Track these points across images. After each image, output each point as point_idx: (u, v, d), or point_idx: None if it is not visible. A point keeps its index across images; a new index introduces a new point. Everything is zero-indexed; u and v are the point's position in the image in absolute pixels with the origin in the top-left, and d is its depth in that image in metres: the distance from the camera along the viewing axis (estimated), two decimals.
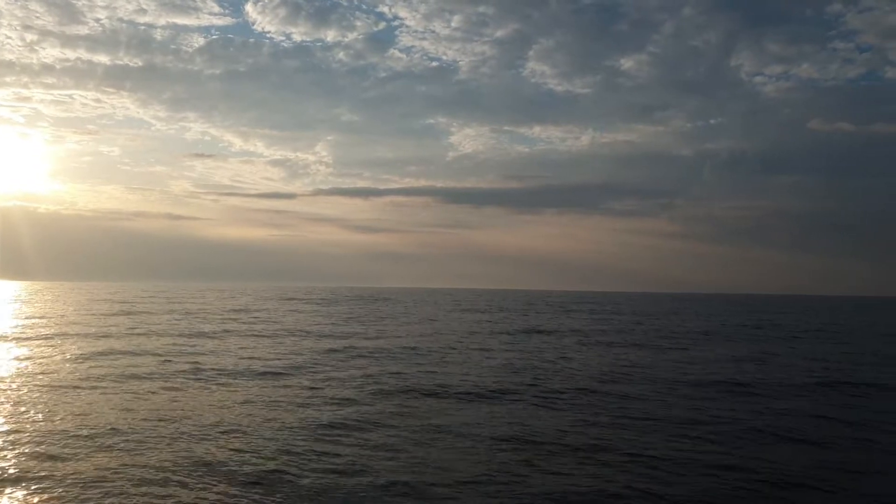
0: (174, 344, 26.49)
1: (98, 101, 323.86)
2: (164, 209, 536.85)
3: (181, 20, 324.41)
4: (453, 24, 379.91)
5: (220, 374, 18.59)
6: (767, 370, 21.40)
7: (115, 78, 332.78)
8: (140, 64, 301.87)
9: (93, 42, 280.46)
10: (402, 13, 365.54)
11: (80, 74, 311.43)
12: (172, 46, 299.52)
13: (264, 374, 18.94)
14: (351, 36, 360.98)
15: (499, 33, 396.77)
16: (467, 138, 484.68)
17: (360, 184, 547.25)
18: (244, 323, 40.20)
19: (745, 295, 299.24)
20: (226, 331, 33.57)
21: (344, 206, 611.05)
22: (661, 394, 16.29)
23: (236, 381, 17.56)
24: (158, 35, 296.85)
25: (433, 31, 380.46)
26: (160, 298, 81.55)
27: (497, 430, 12.19)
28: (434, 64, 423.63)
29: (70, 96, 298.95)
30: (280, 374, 18.95)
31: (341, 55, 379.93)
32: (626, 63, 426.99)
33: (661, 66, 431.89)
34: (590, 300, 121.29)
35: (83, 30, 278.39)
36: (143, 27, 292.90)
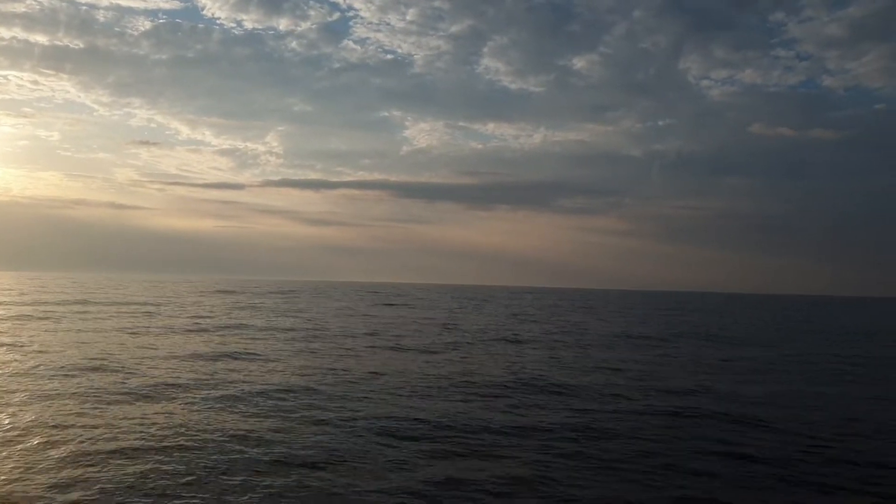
0: None
1: (35, 82, 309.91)
2: (107, 198, 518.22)
3: (126, 2, 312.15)
4: (408, 18, 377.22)
5: None
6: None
7: (54, 59, 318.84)
8: (81, 46, 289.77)
9: (30, 20, 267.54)
10: (357, 4, 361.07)
11: (15, 54, 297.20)
12: (116, 29, 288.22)
13: None
14: (304, 25, 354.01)
15: (454, 28, 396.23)
16: (422, 133, 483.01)
17: (312, 176, 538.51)
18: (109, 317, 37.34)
19: (688, 293, 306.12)
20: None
21: (295, 199, 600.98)
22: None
23: None
24: (101, 16, 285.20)
25: (388, 24, 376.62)
26: (71, 289, 76.98)
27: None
28: (389, 57, 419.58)
29: (5, 77, 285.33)
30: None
31: (294, 44, 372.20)
32: (579, 63, 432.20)
33: (613, 66, 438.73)
34: (514, 295, 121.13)
35: (19, 7, 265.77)
36: (84, 7, 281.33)
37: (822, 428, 12.02)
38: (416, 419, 11.92)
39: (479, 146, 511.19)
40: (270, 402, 13.30)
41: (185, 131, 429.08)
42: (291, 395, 14.05)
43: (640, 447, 10.41)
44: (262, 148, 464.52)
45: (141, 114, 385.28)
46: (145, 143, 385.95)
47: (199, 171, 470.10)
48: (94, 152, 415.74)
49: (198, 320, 33.73)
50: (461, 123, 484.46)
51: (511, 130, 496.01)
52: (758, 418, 12.71)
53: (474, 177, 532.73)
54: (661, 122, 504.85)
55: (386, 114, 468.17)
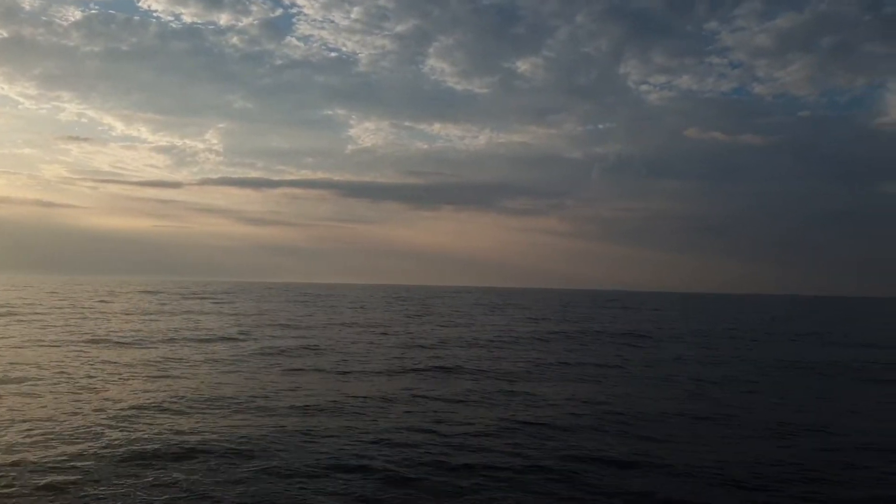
0: None
1: None
2: (33, 195, 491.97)
3: None
4: (353, 16, 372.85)
5: None
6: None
7: None
8: (5, 35, 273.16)
9: None
10: (301, 1, 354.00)
11: None
12: (44, 18, 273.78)
13: None
14: (245, 21, 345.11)
15: (399, 28, 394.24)
16: (367, 132, 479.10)
17: (253, 174, 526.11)
18: None
19: (626, 292, 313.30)
20: None
21: (235, 197, 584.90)
22: None
23: None
24: (27, 4, 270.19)
25: (332, 21, 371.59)
26: None
27: None
28: (333, 54, 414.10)
29: None
30: None
31: (235, 40, 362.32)
32: (523, 65, 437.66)
33: (556, 70, 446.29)
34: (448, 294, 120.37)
35: None
36: None
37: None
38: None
39: (425, 146, 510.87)
40: None
41: (119, 127, 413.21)
42: None
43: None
44: (201, 145, 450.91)
45: (71, 108, 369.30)
46: (76, 138, 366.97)
47: (134, 168, 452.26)
48: (19, 147, 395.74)
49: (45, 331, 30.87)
50: (407, 123, 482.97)
51: (456, 131, 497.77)
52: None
53: (420, 177, 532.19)
54: (601, 126, 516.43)
55: (330, 112, 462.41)
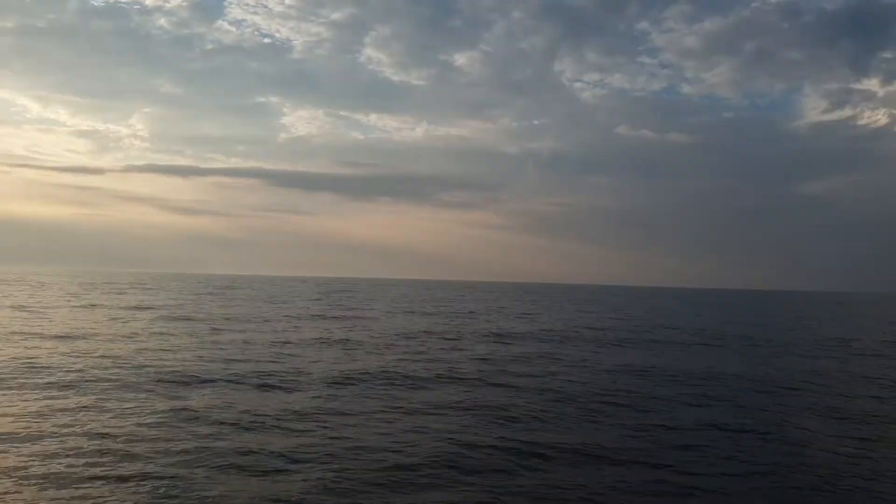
0: None
1: None
2: None
3: None
4: (287, 2, 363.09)
5: None
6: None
7: None
8: None
9: None
10: None
11: None
12: None
13: None
14: (174, 2, 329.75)
15: (335, 16, 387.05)
16: (301, 120, 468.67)
17: (181, 161, 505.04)
18: None
19: (560, 285, 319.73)
20: None
21: (161, 185, 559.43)
22: None
23: None
24: None
25: (265, 7, 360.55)
26: None
27: None
28: (266, 40, 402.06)
29: None
30: None
31: (162, 21, 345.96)
32: (460, 59, 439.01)
33: (493, 65, 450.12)
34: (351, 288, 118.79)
35: None
36: None
37: None
38: None
39: (361, 137, 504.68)
40: None
41: (34, 109, 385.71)
42: None
43: None
44: (125, 130, 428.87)
45: None
46: None
47: (51, 153, 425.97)
48: None
49: None
50: (342, 113, 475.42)
51: (393, 122, 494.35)
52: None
53: (355, 168, 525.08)
54: (536, 122, 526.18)
55: (263, 99, 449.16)
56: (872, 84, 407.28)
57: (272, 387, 13.11)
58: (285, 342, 20.97)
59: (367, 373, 15.05)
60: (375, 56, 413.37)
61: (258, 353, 18.18)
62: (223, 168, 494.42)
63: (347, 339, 22.25)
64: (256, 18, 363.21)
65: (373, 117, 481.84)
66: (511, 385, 14.13)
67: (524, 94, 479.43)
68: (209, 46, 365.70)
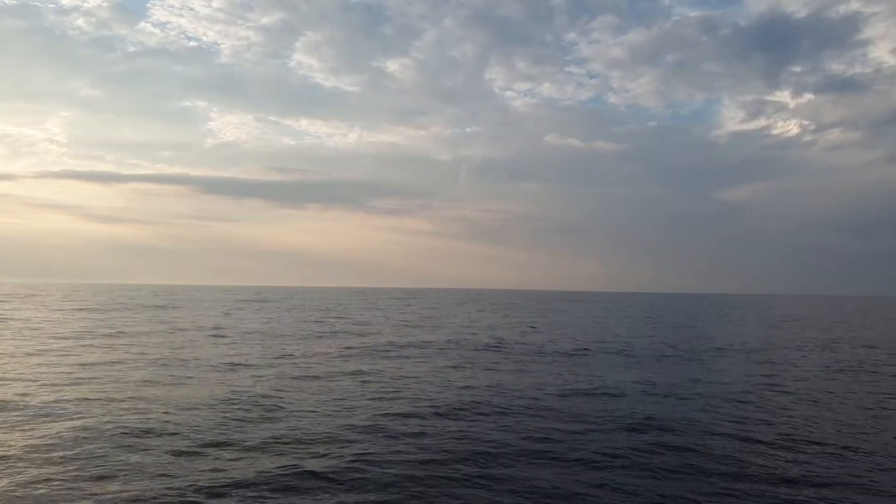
0: None
1: None
2: None
3: None
4: (214, 4, 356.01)
5: None
6: None
7: None
8: None
9: None
10: None
11: None
12: None
13: None
14: (92, 2, 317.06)
15: (264, 20, 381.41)
16: (229, 126, 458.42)
17: (101, 167, 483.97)
18: None
19: (490, 290, 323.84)
20: None
21: (79, 192, 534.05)
22: None
23: None
24: None
25: (191, 9, 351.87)
26: None
27: None
28: (192, 44, 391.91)
29: None
30: None
31: (80, 22, 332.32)
32: (392, 65, 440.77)
33: (424, 72, 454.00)
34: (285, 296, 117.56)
35: None
36: None
37: None
38: None
39: (292, 142, 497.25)
40: None
41: None
42: None
43: None
44: (40, 135, 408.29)
45: None
46: None
47: None
48: None
49: None
50: (272, 118, 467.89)
51: (325, 128, 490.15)
52: None
53: (285, 174, 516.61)
54: (468, 129, 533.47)
55: (189, 104, 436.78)
56: (784, 96, 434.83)
57: None
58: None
59: None
60: (306, 61, 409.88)
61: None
62: (147, 174, 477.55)
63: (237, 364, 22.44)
64: (182, 21, 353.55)
65: (304, 123, 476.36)
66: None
67: (456, 102, 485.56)
68: (131, 49, 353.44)
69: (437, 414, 12.12)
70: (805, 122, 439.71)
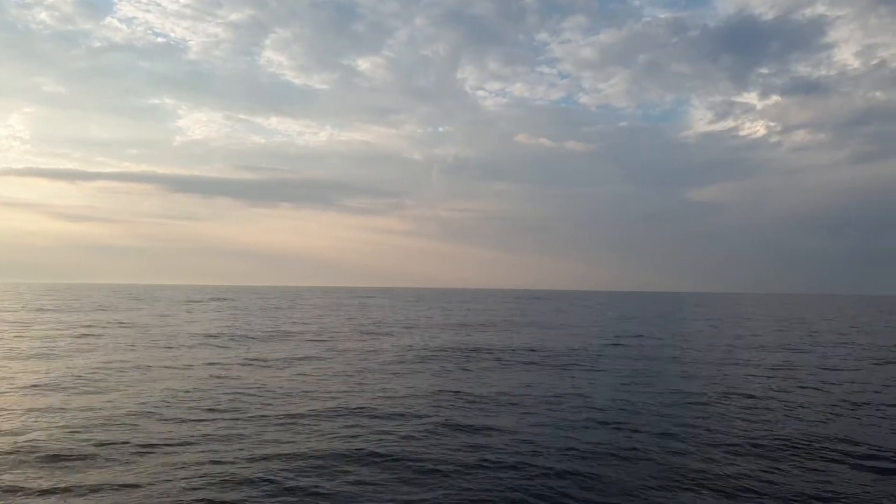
0: None
1: None
2: None
3: None
4: (182, 1, 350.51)
5: None
6: None
7: None
8: None
9: None
10: None
11: None
12: None
13: None
14: None
15: (233, 17, 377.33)
16: (198, 123, 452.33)
17: (67, 165, 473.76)
18: None
19: (462, 290, 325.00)
20: None
21: (44, 190, 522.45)
22: None
23: None
24: None
25: (158, 4, 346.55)
26: None
27: None
28: (160, 40, 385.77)
29: None
30: None
31: (44, 16, 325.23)
32: (363, 64, 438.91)
33: (396, 70, 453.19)
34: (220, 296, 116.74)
35: None
36: None
37: None
38: None
39: (262, 140, 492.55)
40: None
41: None
42: None
43: None
44: (2, 131, 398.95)
45: None
46: None
47: None
48: None
49: None
50: (242, 116, 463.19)
51: (296, 126, 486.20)
52: None
53: (256, 172, 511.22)
54: (440, 129, 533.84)
55: (156, 101, 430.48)
56: (752, 97, 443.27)
57: None
58: None
59: None
60: (276, 59, 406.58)
61: None
62: (114, 172, 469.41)
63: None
64: (149, 17, 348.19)
65: (274, 121, 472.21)
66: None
67: (428, 101, 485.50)
68: (97, 44, 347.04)
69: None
70: (772, 124, 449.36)
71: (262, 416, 11.73)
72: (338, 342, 26.13)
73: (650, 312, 63.55)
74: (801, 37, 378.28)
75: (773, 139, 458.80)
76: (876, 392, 15.06)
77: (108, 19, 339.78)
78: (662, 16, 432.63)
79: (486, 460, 8.94)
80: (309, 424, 11.06)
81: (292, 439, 10.00)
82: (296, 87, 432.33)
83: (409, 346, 24.88)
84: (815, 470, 8.67)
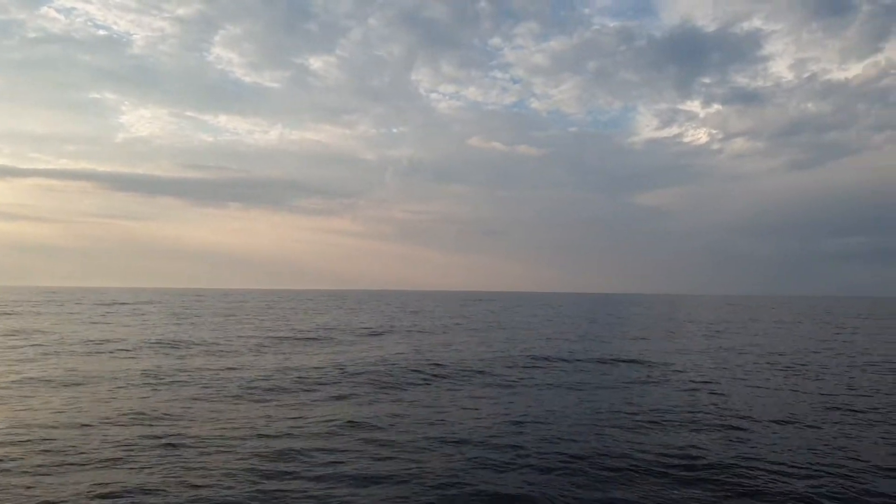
0: None
1: None
2: None
3: None
4: None
5: None
6: None
7: None
8: None
9: None
10: None
11: None
12: None
13: None
14: None
15: (181, 11, 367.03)
16: (142, 120, 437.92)
17: None
18: None
19: (415, 292, 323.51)
20: None
21: None
22: None
23: None
24: None
25: None
26: None
27: None
28: (101, 32, 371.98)
29: None
30: None
31: None
32: (316, 63, 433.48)
33: (349, 70, 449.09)
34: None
35: None
36: None
37: None
38: None
39: (210, 139, 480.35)
40: None
41: None
42: None
43: None
44: None
45: None
46: None
47: None
48: None
49: None
50: (189, 113, 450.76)
51: (245, 125, 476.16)
52: None
53: (202, 171, 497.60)
54: (394, 130, 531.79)
55: (97, 96, 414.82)
56: (695, 105, 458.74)
57: None
58: None
59: None
60: (225, 55, 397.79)
61: None
62: (49, 169, 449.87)
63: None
64: (90, 8, 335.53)
65: (223, 119, 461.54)
66: None
67: (382, 102, 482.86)
68: (32, 35, 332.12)
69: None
70: (713, 131, 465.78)
71: None
72: (201, 356, 22.87)
73: (580, 313, 64.23)
74: (740, 49, 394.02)
75: (715, 146, 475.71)
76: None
77: (45, 9, 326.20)
78: (611, 24, 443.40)
79: None
80: None
81: None
82: (246, 84, 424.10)
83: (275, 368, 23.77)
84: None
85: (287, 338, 29.74)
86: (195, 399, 13.99)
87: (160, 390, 15.08)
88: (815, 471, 8.83)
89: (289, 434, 10.67)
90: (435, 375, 17.99)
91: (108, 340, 27.22)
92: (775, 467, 8.95)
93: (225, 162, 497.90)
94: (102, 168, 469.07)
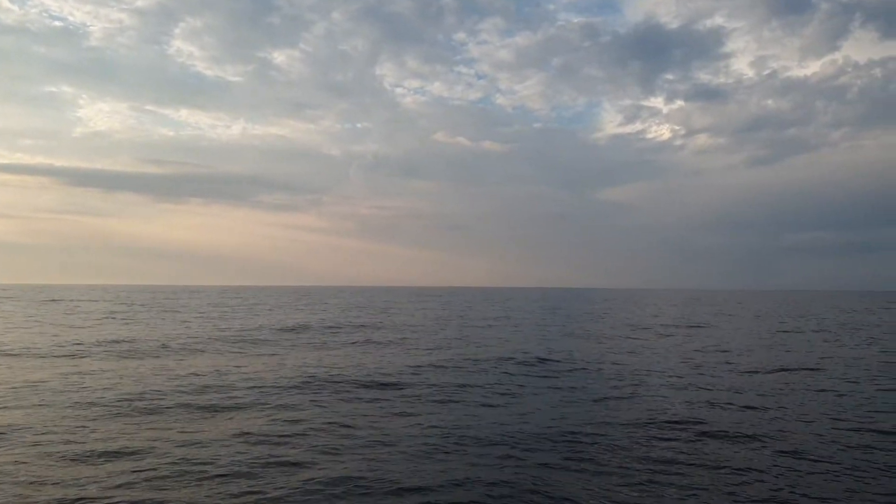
0: None
1: None
2: None
3: None
4: None
5: None
6: None
7: None
8: None
9: None
10: None
11: None
12: None
13: None
14: None
15: (139, 2, 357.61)
16: (100, 114, 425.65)
17: None
18: None
19: (380, 288, 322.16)
20: None
21: None
22: None
23: None
24: None
25: None
26: None
27: None
28: (57, 24, 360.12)
29: None
30: None
31: None
32: (279, 57, 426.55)
33: (313, 65, 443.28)
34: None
35: None
36: None
37: None
38: None
39: (170, 133, 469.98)
40: None
41: None
42: None
43: None
44: None
45: None
46: None
47: None
48: None
49: None
50: (149, 107, 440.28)
51: (207, 119, 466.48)
52: None
53: (163, 166, 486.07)
54: (359, 125, 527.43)
55: (53, 89, 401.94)
56: (658, 102, 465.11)
57: None
58: None
59: None
60: (186, 49, 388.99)
61: None
62: (4, 164, 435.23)
63: None
64: None
65: (183, 113, 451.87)
66: None
67: (346, 97, 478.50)
68: None
69: None
70: (676, 127, 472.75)
71: None
72: (96, 360, 22.05)
73: (537, 307, 64.72)
74: (702, 46, 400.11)
75: (678, 142, 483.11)
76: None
77: None
78: (576, 20, 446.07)
79: None
80: None
81: None
82: (207, 78, 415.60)
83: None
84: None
85: (209, 339, 29.19)
86: None
87: None
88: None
89: None
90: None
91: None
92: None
93: (186, 157, 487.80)
94: (60, 163, 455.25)
